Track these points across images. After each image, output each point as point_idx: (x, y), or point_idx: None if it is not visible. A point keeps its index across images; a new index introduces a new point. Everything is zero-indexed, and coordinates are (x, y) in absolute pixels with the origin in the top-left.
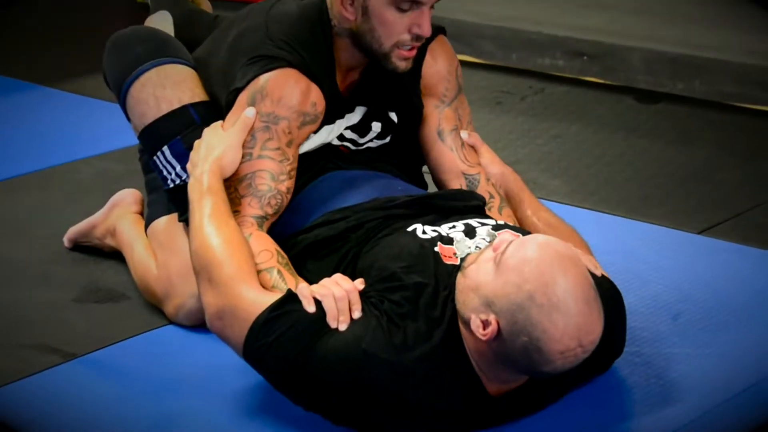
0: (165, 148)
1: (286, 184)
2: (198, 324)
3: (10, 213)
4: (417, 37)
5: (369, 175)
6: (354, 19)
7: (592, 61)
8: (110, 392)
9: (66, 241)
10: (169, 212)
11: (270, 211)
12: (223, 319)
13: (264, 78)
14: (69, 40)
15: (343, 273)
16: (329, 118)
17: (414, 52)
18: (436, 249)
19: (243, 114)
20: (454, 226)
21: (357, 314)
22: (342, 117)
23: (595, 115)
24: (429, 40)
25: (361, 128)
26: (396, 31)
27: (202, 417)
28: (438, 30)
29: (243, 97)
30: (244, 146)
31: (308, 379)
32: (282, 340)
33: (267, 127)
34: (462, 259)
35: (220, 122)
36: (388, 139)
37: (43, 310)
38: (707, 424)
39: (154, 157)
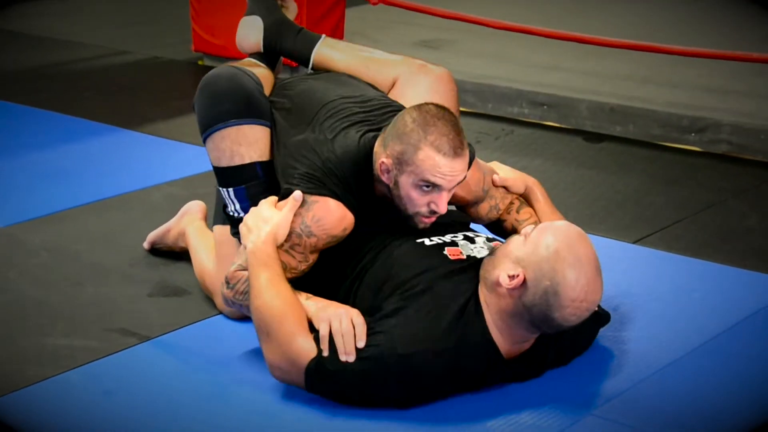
0: (231, 189)
1: (293, 274)
2: (239, 318)
3: (99, 227)
4: (433, 212)
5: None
6: (390, 183)
7: (550, 110)
8: (176, 366)
9: (146, 244)
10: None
11: None
12: (282, 370)
13: (314, 198)
14: (144, 93)
15: (350, 287)
16: (365, 223)
17: (433, 219)
18: (445, 252)
19: (292, 196)
20: (455, 236)
21: (361, 344)
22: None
23: (552, 151)
24: None
25: None
26: (417, 204)
27: (248, 386)
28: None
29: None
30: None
31: (366, 392)
32: (336, 375)
33: (300, 235)
34: (468, 256)
35: (274, 198)
36: None
37: (125, 302)
38: (643, 390)
39: (221, 189)
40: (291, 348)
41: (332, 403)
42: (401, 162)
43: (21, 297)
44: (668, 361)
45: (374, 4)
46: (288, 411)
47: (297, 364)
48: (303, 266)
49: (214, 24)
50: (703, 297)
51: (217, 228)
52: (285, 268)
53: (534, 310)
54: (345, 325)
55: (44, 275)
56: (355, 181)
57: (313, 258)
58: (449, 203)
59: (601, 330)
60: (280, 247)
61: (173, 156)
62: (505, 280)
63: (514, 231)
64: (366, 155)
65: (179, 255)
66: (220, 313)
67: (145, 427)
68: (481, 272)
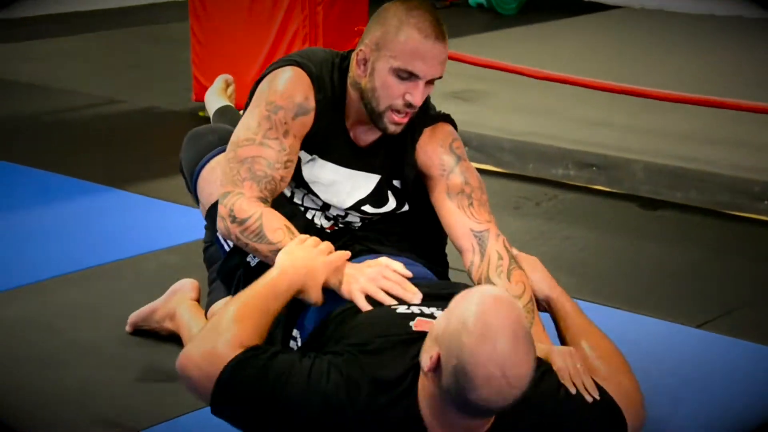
0: None
1: (281, 173)
2: None
3: (84, 299)
4: (408, 105)
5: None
6: (364, 76)
7: (599, 172)
8: None
9: (128, 325)
10: (228, 294)
11: (267, 195)
12: (198, 368)
13: (274, 73)
14: (139, 148)
15: (334, 329)
16: (339, 159)
17: (405, 119)
18: (412, 323)
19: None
20: (440, 310)
21: (418, 298)
22: (350, 167)
23: (602, 219)
24: (428, 125)
25: (377, 199)
26: (391, 94)
27: None
28: (440, 118)
29: (258, 88)
30: (249, 131)
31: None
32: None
33: (269, 117)
34: None
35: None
36: (405, 208)
37: (108, 388)
38: None
39: (217, 233)
40: (218, 347)
41: None
42: (380, 46)
43: None
44: None
45: None
46: None
47: (215, 364)
48: (284, 156)
49: (219, 70)
50: None
51: (214, 308)
52: (270, 166)
53: (452, 394)
54: (394, 278)
55: (20, 354)
56: (326, 67)
57: (289, 144)
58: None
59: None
60: (251, 143)
61: (170, 220)
62: (425, 362)
63: None
64: (336, 55)
65: (170, 336)
66: None
67: None
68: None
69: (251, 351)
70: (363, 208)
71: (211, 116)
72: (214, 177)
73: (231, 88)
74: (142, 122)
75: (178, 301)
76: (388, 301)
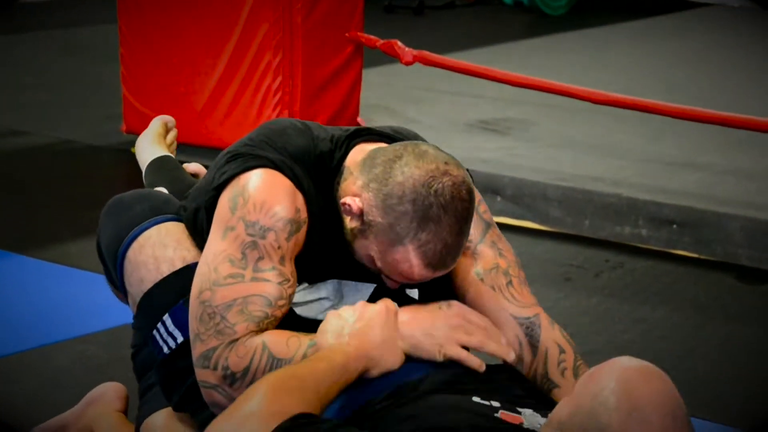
0: (166, 317)
1: (284, 310)
2: None
3: None
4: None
5: None
6: (352, 225)
7: (682, 231)
8: None
9: None
10: (167, 404)
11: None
12: None
13: (245, 178)
14: (48, 198)
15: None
16: (324, 273)
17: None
18: (498, 414)
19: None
20: (521, 407)
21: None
22: (336, 276)
23: (686, 296)
24: None
25: None
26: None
27: None
28: None
29: (224, 200)
30: (232, 264)
31: None
32: None
33: (255, 243)
34: (528, 430)
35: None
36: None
37: None
38: None
39: (154, 332)
40: (254, 419)
41: None
42: (372, 232)
43: None
44: None
45: (408, 64)
46: None
47: None
48: (287, 288)
49: (159, 91)
50: None
51: (150, 422)
52: (270, 304)
53: None
54: (480, 322)
55: None
56: (311, 173)
57: (289, 271)
58: None
59: None
60: (239, 281)
61: (90, 295)
62: None
63: None
64: (319, 149)
65: None
66: None
67: None
68: None
69: (303, 418)
70: None
71: (143, 170)
72: (143, 257)
73: (172, 134)
74: (54, 162)
75: (97, 415)
76: (501, 351)
